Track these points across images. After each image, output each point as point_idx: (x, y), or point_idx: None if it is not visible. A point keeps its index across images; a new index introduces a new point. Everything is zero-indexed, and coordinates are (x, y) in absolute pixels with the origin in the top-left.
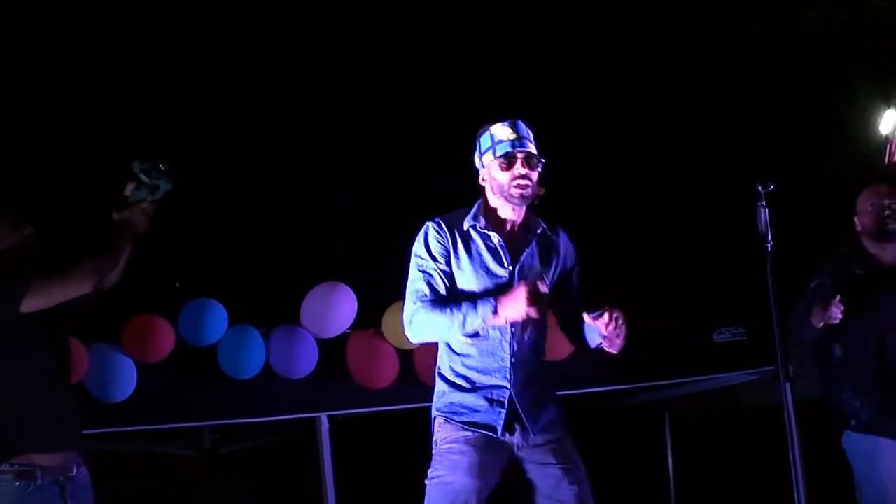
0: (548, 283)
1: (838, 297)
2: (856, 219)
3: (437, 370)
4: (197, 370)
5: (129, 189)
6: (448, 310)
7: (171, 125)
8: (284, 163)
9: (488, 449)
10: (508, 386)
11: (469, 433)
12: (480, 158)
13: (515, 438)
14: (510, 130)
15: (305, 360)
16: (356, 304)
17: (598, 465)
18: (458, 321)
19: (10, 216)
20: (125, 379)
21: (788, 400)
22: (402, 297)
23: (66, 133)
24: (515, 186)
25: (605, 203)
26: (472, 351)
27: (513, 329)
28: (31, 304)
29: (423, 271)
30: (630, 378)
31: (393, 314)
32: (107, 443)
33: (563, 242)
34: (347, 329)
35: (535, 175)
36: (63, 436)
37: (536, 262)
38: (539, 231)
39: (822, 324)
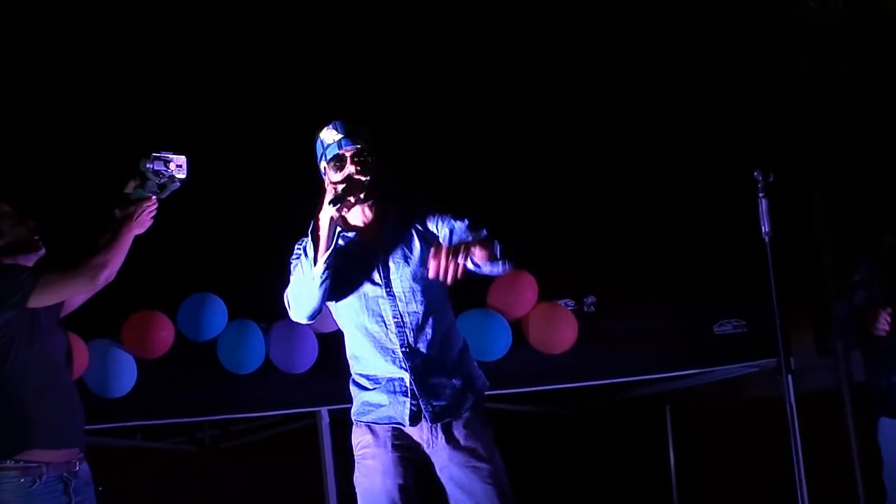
0: (414, 255)
1: (889, 309)
2: None
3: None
4: (197, 365)
5: (130, 186)
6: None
7: (169, 118)
8: (285, 154)
9: (401, 446)
10: (406, 374)
11: (378, 432)
12: (319, 168)
13: (422, 430)
14: (335, 132)
15: (306, 355)
16: None
17: (600, 458)
18: (303, 255)
19: (12, 211)
20: (125, 374)
21: (790, 392)
22: None
23: (65, 128)
24: (355, 179)
25: (604, 194)
26: (367, 350)
27: (395, 318)
28: (39, 299)
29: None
30: (631, 371)
31: None
32: (106, 438)
33: (423, 213)
34: None
35: (372, 168)
36: (68, 432)
37: (402, 238)
38: (392, 213)
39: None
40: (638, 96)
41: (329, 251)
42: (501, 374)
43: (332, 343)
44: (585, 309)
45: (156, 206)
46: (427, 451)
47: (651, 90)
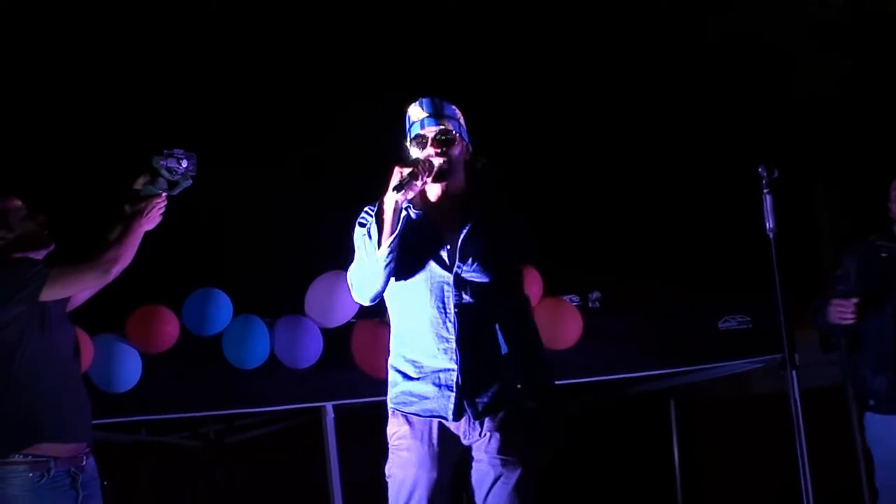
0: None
1: (856, 300)
2: (890, 205)
3: (388, 361)
4: (201, 360)
5: (140, 182)
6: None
7: (173, 115)
8: (288, 152)
9: (439, 440)
10: (455, 367)
11: (416, 424)
12: (406, 145)
13: (464, 426)
14: (420, 109)
15: (310, 350)
16: None
17: (605, 453)
18: (367, 237)
19: (20, 204)
20: (130, 369)
21: (794, 388)
22: None
23: (72, 125)
24: (431, 160)
25: (609, 191)
26: (418, 335)
27: (457, 308)
28: (51, 292)
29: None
30: (636, 366)
31: None
32: (111, 433)
33: (510, 218)
34: (352, 318)
35: (454, 151)
36: (76, 426)
37: (481, 234)
38: (482, 202)
39: (835, 323)
40: (644, 95)
41: (393, 236)
42: None
43: (337, 339)
44: (590, 305)
45: (165, 202)
46: (464, 442)
47: (655, 89)
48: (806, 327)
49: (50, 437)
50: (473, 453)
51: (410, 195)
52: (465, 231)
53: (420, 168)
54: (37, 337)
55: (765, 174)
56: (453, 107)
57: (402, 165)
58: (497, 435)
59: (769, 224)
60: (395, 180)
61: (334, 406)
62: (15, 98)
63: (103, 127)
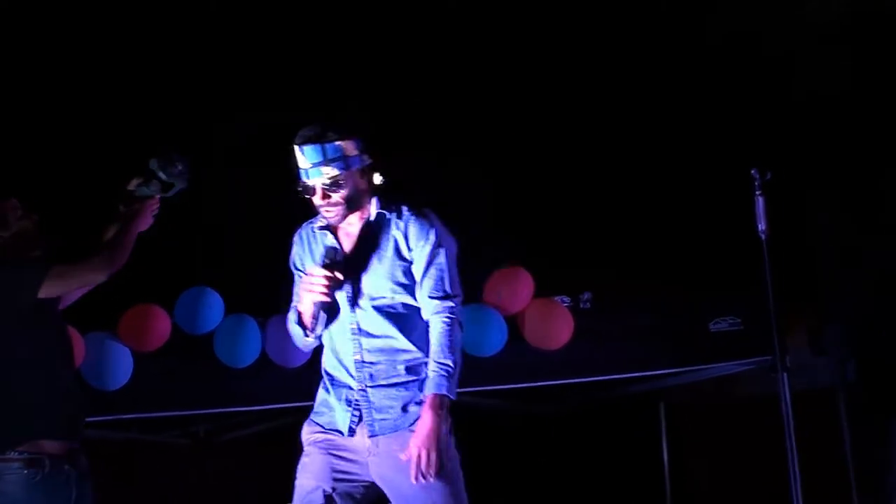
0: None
1: None
2: None
3: None
4: (193, 359)
5: (133, 184)
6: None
7: (165, 114)
8: (282, 149)
9: (337, 453)
10: (354, 384)
11: (319, 434)
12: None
13: (362, 442)
14: (301, 157)
15: (302, 350)
16: None
17: (593, 455)
18: (291, 323)
19: (16, 204)
20: (121, 367)
21: (785, 390)
22: None
23: (67, 125)
24: (324, 214)
25: (601, 191)
26: (328, 348)
27: (352, 325)
28: (47, 290)
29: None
30: (626, 367)
31: None
32: (102, 431)
33: (414, 224)
34: None
35: (344, 192)
36: (70, 423)
37: (373, 244)
38: (368, 217)
39: None
40: (634, 94)
41: (317, 332)
42: (496, 370)
43: None
44: (581, 305)
45: (158, 204)
46: (367, 458)
47: (647, 88)
48: (797, 330)
49: (45, 434)
50: (378, 466)
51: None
52: (358, 249)
53: (318, 289)
54: (31, 334)
55: (758, 176)
56: (337, 143)
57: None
58: (401, 446)
59: (761, 226)
60: (308, 300)
61: None
62: (9, 99)
63: (97, 128)
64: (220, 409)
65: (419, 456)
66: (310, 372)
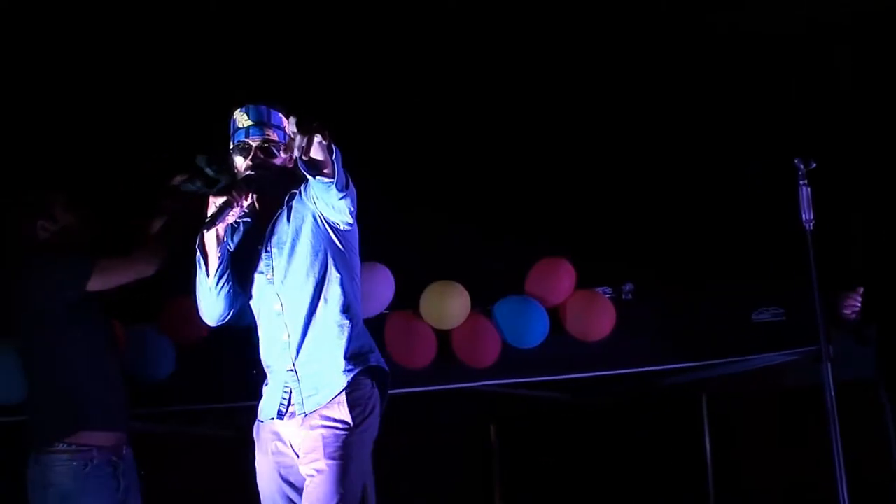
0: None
1: (861, 289)
2: None
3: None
4: (235, 350)
5: (177, 180)
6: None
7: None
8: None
9: (277, 447)
10: (291, 365)
11: (262, 430)
12: (230, 148)
13: (294, 420)
14: (246, 116)
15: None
16: (394, 284)
17: (635, 447)
18: (197, 266)
19: (65, 197)
20: (164, 360)
21: (829, 381)
22: (441, 277)
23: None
24: (247, 175)
25: (643, 181)
26: (262, 339)
27: (277, 306)
28: (95, 283)
29: None
30: (667, 359)
31: (431, 295)
32: (145, 423)
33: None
34: (385, 310)
35: (277, 161)
36: (116, 415)
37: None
38: (285, 200)
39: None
40: (676, 84)
41: (219, 268)
42: (538, 362)
43: (370, 329)
44: (623, 296)
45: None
46: (294, 440)
47: (689, 78)
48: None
49: (93, 426)
50: (301, 445)
51: (231, 219)
52: (270, 230)
53: (235, 195)
54: (78, 328)
55: (801, 166)
56: (280, 115)
57: (217, 194)
58: (317, 423)
59: (806, 216)
60: (209, 213)
61: None
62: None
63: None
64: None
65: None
66: None
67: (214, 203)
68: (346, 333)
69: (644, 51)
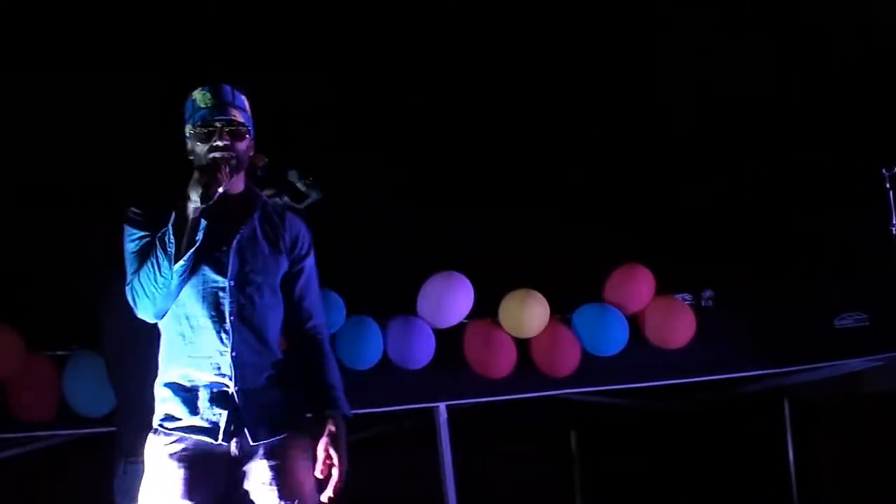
0: (273, 257)
1: None
2: None
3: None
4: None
5: (267, 193)
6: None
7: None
8: (399, 155)
9: (206, 462)
10: (230, 382)
11: (181, 444)
12: (184, 130)
13: (236, 447)
14: (210, 96)
15: (423, 351)
16: (472, 293)
17: (717, 454)
18: (159, 247)
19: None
20: None
21: None
22: (520, 286)
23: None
24: (213, 156)
25: (723, 187)
26: (187, 347)
27: (232, 316)
28: None
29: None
30: (749, 365)
31: (510, 303)
32: None
33: (295, 224)
34: (464, 319)
35: (241, 145)
36: None
37: (259, 237)
38: (261, 203)
39: None
40: (758, 90)
41: (194, 248)
42: (618, 369)
43: (450, 339)
44: (703, 303)
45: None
46: (244, 467)
47: (771, 85)
48: None
49: None
50: (247, 480)
51: (214, 198)
52: (242, 234)
53: (224, 172)
54: (158, 341)
55: (887, 172)
56: (243, 97)
57: (204, 172)
58: (274, 462)
59: (893, 220)
60: (197, 186)
61: (447, 406)
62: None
63: None
64: None
65: None
66: (432, 374)
67: (198, 181)
68: None
69: (731, 51)
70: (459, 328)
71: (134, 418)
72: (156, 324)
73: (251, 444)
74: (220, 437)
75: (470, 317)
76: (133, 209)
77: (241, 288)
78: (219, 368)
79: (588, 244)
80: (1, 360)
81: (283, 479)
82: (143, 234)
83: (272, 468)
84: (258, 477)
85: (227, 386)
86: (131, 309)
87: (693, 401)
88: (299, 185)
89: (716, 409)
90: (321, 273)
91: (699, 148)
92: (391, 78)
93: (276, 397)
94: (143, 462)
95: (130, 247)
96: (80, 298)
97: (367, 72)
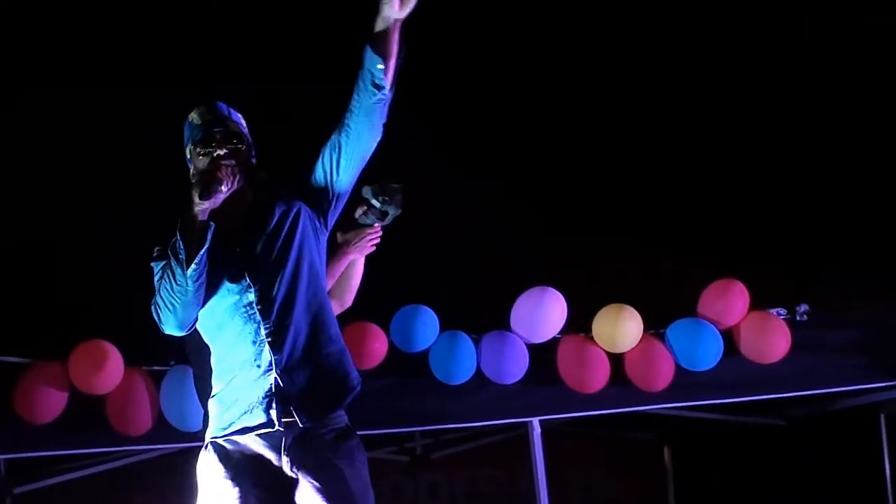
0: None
1: None
2: None
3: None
4: (409, 376)
5: (358, 212)
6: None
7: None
8: (495, 172)
9: (257, 472)
10: (273, 367)
11: (232, 456)
12: (186, 153)
13: (289, 435)
14: (205, 112)
15: (516, 366)
16: (566, 308)
17: (813, 468)
18: (171, 256)
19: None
20: None
21: None
22: (613, 301)
23: None
24: (222, 169)
25: (815, 201)
26: (229, 358)
27: (259, 306)
28: None
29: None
30: (845, 380)
31: (603, 318)
32: None
33: (276, 190)
34: (558, 334)
35: (241, 155)
36: None
37: (271, 230)
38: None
39: None
40: (856, 101)
41: (203, 249)
42: (711, 384)
43: (543, 353)
44: (798, 318)
45: (379, 234)
46: (294, 475)
47: (869, 94)
48: None
49: None
50: (297, 490)
51: (217, 201)
52: (248, 229)
53: (224, 172)
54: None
55: None
56: (238, 114)
57: (204, 172)
58: (325, 447)
59: None
60: (199, 187)
61: (541, 421)
62: None
63: None
64: (437, 426)
65: None
66: (525, 389)
67: (202, 178)
68: None
69: (822, 65)
70: (553, 343)
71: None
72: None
73: (301, 425)
74: (276, 424)
75: (563, 332)
76: (155, 248)
77: (268, 288)
78: (259, 357)
79: (682, 259)
80: (102, 376)
81: (331, 489)
82: (162, 263)
83: (320, 480)
84: (307, 489)
85: (270, 370)
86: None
87: (787, 416)
88: (375, 202)
89: (810, 425)
90: (417, 288)
91: (792, 159)
92: (482, 90)
93: (322, 376)
94: None
95: (156, 280)
96: None
97: (454, 83)
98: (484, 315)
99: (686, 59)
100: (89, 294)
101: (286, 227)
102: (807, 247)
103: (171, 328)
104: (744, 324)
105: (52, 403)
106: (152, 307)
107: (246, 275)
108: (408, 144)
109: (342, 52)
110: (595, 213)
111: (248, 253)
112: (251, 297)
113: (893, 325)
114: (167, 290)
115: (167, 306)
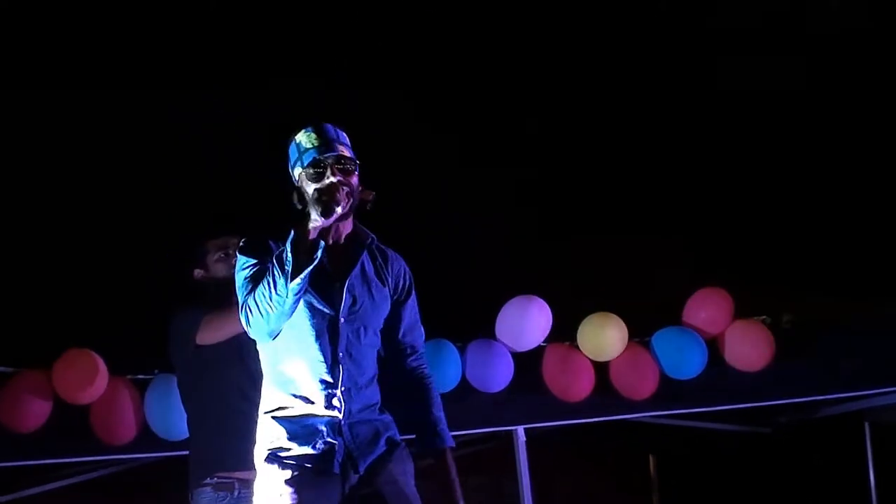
0: (379, 297)
1: None
2: None
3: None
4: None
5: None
6: (264, 276)
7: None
8: (479, 179)
9: (320, 486)
10: (339, 414)
11: (296, 471)
12: (292, 175)
13: (348, 477)
14: (314, 136)
15: (501, 374)
16: (551, 316)
17: (798, 476)
18: (275, 266)
19: (218, 245)
20: None
21: None
22: (598, 309)
23: None
24: (335, 197)
25: (799, 209)
26: (297, 380)
27: (342, 351)
28: (204, 338)
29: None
30: (829, 388)
31: (588, 326)
32: None
33: (396, 263)
34: (543, 342)
35: (353, 180)
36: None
37: (370, 275)
38: (368, 242)
39: None
40: (856, 107)
41: (312, 266)
42: (696, 393)
43: (528, 362)
44: (782, 326)
45: None
46: (356, 492)
47: (872, 101)
48: None
49: (232, 468)
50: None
51: (330, 221)
52: (354, 272)
53: (342, 193)
54: (212, 375)
55: None
56: (344, 134)
57: (324, 191)
58: (383, 481)
59: None
60: (317, 204)
61: (526, 430)
62: None
63: None
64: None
65: None
66: (510, 397)
67: (318, 200)
68: None
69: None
70: (538, 351)
71: (190, 454)
72: (196, 363)
73: (360, 473)
74: (335, 467)
75: (548, 340)
76: (245, 239)
77: (351, 325)
78: (329, 402)
79: (667, 268)
80: (86, 385)
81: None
82: (254, 261)
83: (385, 493)
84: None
85: (338, 419)
86: (171, 349)
87: (773, 424)
88: None
89: (795, 433)
90: None
91: (777, 167)
92: (476, 95)
93: (380, 430)
94: (203, 486)
95: (243, 273)
96: (162, 323)
97: (450, 88)
98: (469, 324)
99: (674, 71)
100: (74, 303)
101: (387, 283)
102: (791, 255)
103: (259, 334)
104: (729, 332)
105: (36, 412)
106: (241, 310)
107: (339, 312)
108: (394, 152)
109: (343, 51)
110: (580, 221)
111: (350, 290)
112: (337, 336)
113: (878, 333)
114: (264, 296)
115: (261, 313)
